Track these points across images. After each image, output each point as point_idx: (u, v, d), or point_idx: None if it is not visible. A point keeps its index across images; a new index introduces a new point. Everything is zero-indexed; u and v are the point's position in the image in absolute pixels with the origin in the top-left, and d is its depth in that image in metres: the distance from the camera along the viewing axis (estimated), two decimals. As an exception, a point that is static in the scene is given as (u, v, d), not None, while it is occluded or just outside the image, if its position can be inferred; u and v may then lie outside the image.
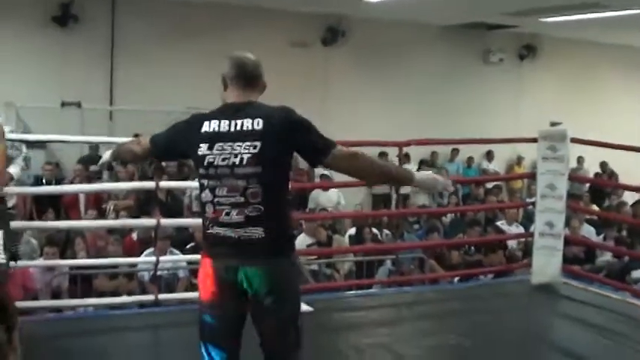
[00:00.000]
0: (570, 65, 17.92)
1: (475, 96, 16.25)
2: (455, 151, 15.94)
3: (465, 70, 16.61)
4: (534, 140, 7.59)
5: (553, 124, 7.68)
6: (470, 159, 16.43)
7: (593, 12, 13.20)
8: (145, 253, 8.19)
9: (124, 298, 7.16)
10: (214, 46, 13.88)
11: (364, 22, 14.90)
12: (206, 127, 3.46)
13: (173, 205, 10.88)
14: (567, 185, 7.84)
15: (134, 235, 9.40)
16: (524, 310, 6.92)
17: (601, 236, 11.08)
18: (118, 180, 10.95)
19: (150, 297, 6.40)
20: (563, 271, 7.64)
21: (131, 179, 11.04)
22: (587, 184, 15.06)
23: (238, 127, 3.40)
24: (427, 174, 3.63)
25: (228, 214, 3.36)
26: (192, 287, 8.06)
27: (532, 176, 8.24)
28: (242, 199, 3.34)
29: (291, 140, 3.40)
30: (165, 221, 6.69)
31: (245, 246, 3.36)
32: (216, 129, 3.43)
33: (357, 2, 12.90)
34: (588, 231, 11.15)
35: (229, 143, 3.37)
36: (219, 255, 3.42)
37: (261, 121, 3.40)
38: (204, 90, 13.77)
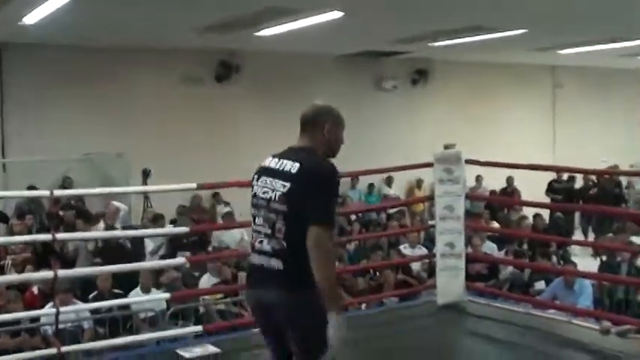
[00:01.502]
0: (462, 87, 18.34)
1: (370, 123, 16.45)
2: (355, 179, 16.07)
3: (360, 98, 16.78)
4: (430, 165, 7.72)
5: (447, 147, 7.81)
6: (370, 185, 16.60)
7: (478, 34, 13.53)
8: (46, 306, 7.98)
9: (26, 354, 6.93)
10: (108, 90, 13.78)
11: (258, 56, 14.94)
12: (266, 162, 3.86)
13: (74, 254, 10.66)
14: (467, 204, 8.00)
15: (34, 289, 9.14)
16: (431, 331, 7.00)
17: (503, 251, 11.32)
18: (13, 234, 10.66)
19: (52, 351, 6.21)
20: (467, 289, 7.78)
21: (29, 232, 10.76)
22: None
23: (280, 167, 3.71)
24: (342, 326, 3.58)
25: (261, 242, 3.70)
26: (98, 337, 7.90)
27: (431, 199, 8.36)
28: (270, 231, 3.65)
29: (306, 190, 3.59)
30: (63, 272, 6.52)
31: (267, 276, 3.64)
32: (268, 165, 3.80)
33: (249, 36, 12.92)
34: (490, 247, 11.37)
35: (270, 179, 3.71)
36: (251, 283, 3.82)
37: (297, 165, 3.66)
38: (101, 135, 13.73)
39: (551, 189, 16.77)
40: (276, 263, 3.61)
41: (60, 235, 6.86)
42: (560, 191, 16.56)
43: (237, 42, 13.86)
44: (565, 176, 17.00)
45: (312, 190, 3.60)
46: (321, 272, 3.52)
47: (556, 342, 6.28)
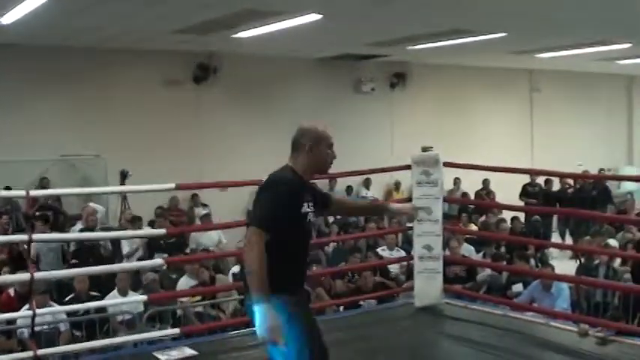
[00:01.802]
0: (440, 89, 18.42)
1: (349, 126, 16.46)
2: (333, 181, 16.05)
3: (338, 101, 16.82)
4: (408, 167, 7.72)
5: (425, 149, 7.83)
6: (349, 187, 16.60)
7: (457, 38, 13.58)
8: (22, 308, 7.90)
9: (2, 357, 6.86)
10: (86, 90, 13.70)
11: (236, 58, 14.91)
12: None
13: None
14: (445, 207, 8.00)
15: (11, 291, 9.06)
16: (408, 333, 7.00)
17: (480, 254, 11.35)
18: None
19: (29, 354, 6.15)
20: (445, 291, 7.79)
21: (5, 232, 10.67)
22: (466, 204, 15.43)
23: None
24: (268, 316, 3.68)
25: None
26: (75, 340, 7.84)
27: (408, 201, 8.36)
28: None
29: (255, 199, 3.97)
30: (40, 274, 6.45)
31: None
32: None
33: (227, 39, 12.91)
34: (468, 250, 11.40)
35: None
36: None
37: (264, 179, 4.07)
38: (78, 136, 13.65)
39: (525, 193, 16.83)
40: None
41: (36, 236, 6.78)
42: (534, 195, 16.60)
43: (216, 44, 13.85)
44: (539, 180, 17.07)
45: (257, 198, 3.97)
46: (247, 266, 3.76)
47: (534, 344, 6.29)
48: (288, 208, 3.90)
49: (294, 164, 4.07)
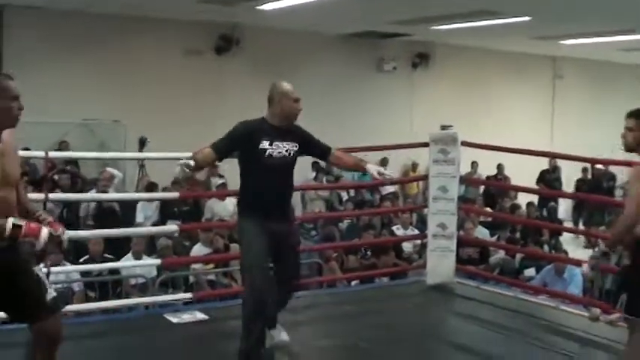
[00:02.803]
0: (462, 72, 18.32)
1: (369, 104, 16.45)
2: (352, 159, 16.05)
3: (359, 79, 16.77)
4: (426, 145, 7.72)
5: (444, 128, 7.83)
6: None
7: (482, 20, 13.52)
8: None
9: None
10: (109, 57, 13.72)
11: (258, 31, 14.88)
12: None
13: (69, 217, 10.64)
14: (462, 190, 7.98)
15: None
16: (419, 309, 7.03)
17: (494, 237, 11.34)
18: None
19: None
20: (457, 271, 7.80)
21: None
22: (482, 189, 15.39)
23: None
24: None
25: None
26: (88, 300, 7.91)
27: (425, 179, 8.37)
28: None
29: None
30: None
31: None
32: None
33: (250, 10, 12.88)
34: (482, 233, 11.39)
35: None
36: None
37: None
38: (99, 102, 13.68)
39: (542, 179, 16.78)
40: None
41: (52, 196, 6.81)
42: (552, 182, 16.55)
43: (239, 15, 13.83)
44: (559, 165, 17.02)
45: None
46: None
47: (544, 327, 6.29)
48: (239, 141, 4.95)
49: (266, 114, 5.06)
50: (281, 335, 5.20)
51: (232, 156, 5.01)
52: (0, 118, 3.52)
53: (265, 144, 4.88)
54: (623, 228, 4.21)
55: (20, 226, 3.39)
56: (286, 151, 4.96)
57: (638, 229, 4.19)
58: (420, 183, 15.07)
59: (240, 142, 4.94)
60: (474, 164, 16.19)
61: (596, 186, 16.51)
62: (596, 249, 4.24)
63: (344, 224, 12.70)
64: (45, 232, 3.46)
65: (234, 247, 9.87)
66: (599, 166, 16.26)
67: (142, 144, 13.08)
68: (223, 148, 4.96)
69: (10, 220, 3.39)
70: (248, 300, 4.88)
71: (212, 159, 5.03)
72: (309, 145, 5.17)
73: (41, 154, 6.24)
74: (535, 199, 14.77)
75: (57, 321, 3.67)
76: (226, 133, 5.00)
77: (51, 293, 3.64)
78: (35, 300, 3.58)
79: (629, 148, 4.40)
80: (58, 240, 3.59)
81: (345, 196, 14.95)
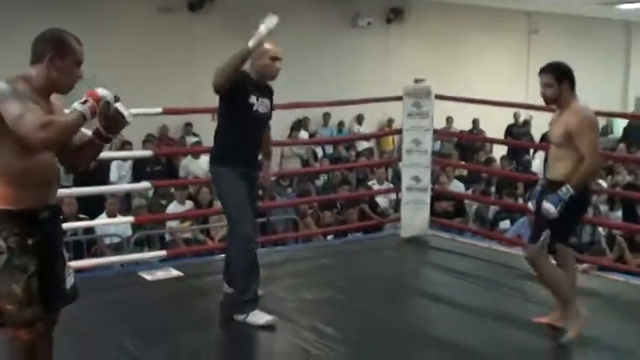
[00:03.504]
0: (436, 26, 18.21)
1: (344, 60, 16.33)
2: (327, 116, 15.98)
3: (334, 35, 16.63)
4: (400, 98, 7.70)
5: (417, 81, 7.78)
6: (340, 123, 16.52)
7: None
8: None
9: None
10: (80, 13, 13.50)
11: (231, -14, 14.72)
12: None
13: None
14: (437, 145, 7.98)
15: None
16: (393, 262, 7.08)
17: (470, 191, 11.38)
18: None
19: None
20: (432, 224, 7.84)
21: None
22: (456, 143, 15.39)
23: None
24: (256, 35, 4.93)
25: None
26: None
27: (399, 132, 8.36)
28: None
29: None
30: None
31: None
32: None
33: (223, -34, 12.73)
34: (458, 187, 11.43)
35: None
36: None
37: None
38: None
39: (509, 133, 16.80)
40: None
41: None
42: (519, 136, 16.52)
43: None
44: (521, 120, 17.06)
45: None
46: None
47: (518, 275, 6.32)
48: (235, 87, 4.87)
49: (248, 69, 5.09)
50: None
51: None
52: (58, 79, 3.25)
53: (253, 99, 5.00)
54: (589, 175, 4.56)
55: (86, 101, 3.11)
56: (266, 107, 5.13)
57: (564, 171, 4.57)
58: (396, 139, 15.04)
59: (235, 88, 4.90)
60: (449, 119, 16.19)
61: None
62: (564, 189, 4.36)
63: (320, 181, 12.70)
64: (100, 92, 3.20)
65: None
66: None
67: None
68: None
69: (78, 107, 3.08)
70: (242, 250, 4.95)
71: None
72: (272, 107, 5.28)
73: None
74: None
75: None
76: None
77: (70, 280, 3.36)
78: (56, 287, 3.27)
79: (549, 102, 4.70)
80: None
81: (320, 153, 14.94)
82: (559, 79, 4.66)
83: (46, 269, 3.14)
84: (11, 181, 3.05)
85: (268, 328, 4.86)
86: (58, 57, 3.23)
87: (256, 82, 5.08)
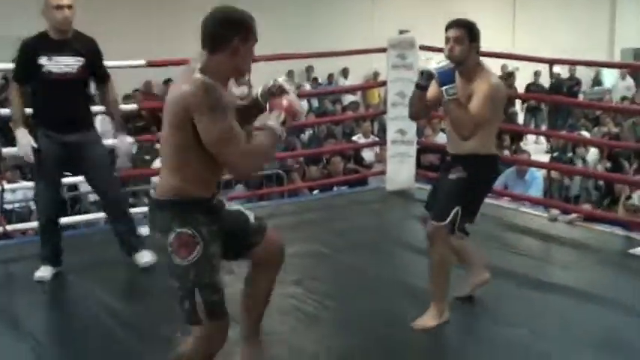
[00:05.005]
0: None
1: (328, 12, 16.20)
2: (310, 68, 15.88)
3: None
4: (384, 50, 7.63)
5: (402, 32, 7.73)
6: (330, 75, 16.44)
7: None
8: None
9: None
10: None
11: None
12: None
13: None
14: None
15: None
16: (378, 214, 7.09)
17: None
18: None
19: (-2, 230, 6.11)
20: (418, 177, 7.81)
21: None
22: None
23: None
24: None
25: None
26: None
27: (383, 85, 8.31)
28: None
29: None
30: (8, 150, 6.26)
31: None
32: None
33: None
34: (444, 139, 11.36)
35: None
36: None
37: None
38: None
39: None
40: None
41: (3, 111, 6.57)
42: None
43: None
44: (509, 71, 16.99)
45: None
46: None
47: (505, 227, 6.34)
48: (24, 63, 4.82)
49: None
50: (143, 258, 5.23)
51: None
52: (241, 65, 3.00)
53: (43, 59, 4.76)
54: (465, 126, 4.01)
55: (284, 121, 3.01)
56: (67, 65, 4.82)
57: (473, 145, 4.11)
58: (382, 92, 14.97)
59: (25, 64, 4.81)
60: (436, 71, 16.11)
61: (556, 90, 16.50)
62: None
63: (305, 135, 12.65)
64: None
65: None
66: (558, 69, 16.27)
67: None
68: (20, 75, 4.88)
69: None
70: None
71: (20, 91, 4.91)
72: (93, 64, 4.98)
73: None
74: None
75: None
76: (15, 58, 4.88)
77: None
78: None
79: (456, 61, 4.06)
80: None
81: (306, 106, 14.87)
82: (471, 38, 4.11)
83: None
84: (195, 176, 2.98)
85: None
86: (243, 42, 2.95)
87: (54, 39, 4.83)
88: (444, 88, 3.94)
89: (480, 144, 4.13)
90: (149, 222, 3.08)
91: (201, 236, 2.95)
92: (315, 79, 16.22)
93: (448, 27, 4.13)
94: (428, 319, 4.25)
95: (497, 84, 4.11)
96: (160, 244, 3.00)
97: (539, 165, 8.56)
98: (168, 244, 2.96)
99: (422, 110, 4.46)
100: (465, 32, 4.09)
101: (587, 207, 7.94)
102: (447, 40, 4.10)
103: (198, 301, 2.95)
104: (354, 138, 11.48)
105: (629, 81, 18.43)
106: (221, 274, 3.04)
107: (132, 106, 7.87)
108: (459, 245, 4.49)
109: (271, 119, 3.00)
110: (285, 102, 3.04)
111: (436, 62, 4.02)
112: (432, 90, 4.17)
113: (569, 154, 10.81)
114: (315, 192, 8.91)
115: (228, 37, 2.90)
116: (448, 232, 4.22)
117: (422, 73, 4.08)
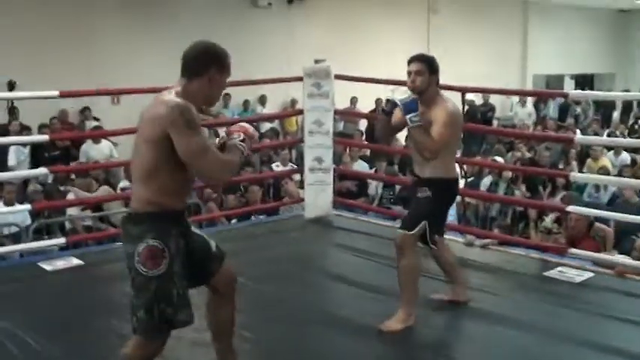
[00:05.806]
0: (337, 8, 18.21)
1: (245, 41, 16.16)
2: (227, 96, 15.80)
3: (234, 15, 16.47)
4: (300, 79, 7.69)
5: (317, 62, 7.82)
6: (245, 102, 16.43)
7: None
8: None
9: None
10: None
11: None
12: None
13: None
14: (341, 126, 8.01)
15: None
16: (297, 243, 7.08)
17: (373, 170, 11.47)
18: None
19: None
20: (336, 204, 7.88)
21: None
22: (364, 125, 15.44)
23: None
24: None
25: None
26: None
27: (300, 113, 8.38)
28: None
29: None
30: None
31: None
32: None
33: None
34: (362, 167, 11.51)
35: None
36: None
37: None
38: None
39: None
40: None
41: None
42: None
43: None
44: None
45: None
46: None
47: (421, 253, 6.41)
48: None
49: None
50: None
51: None
52: (214, 95, 3.38)
53: None
54: (427, 149, 4.50)
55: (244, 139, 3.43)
56: None
57: (435, 169, 4.58)
58: (299, 120, 15.03)
59: None
60: (354, 99, 16.24)
61: (470, 117, 16.83)
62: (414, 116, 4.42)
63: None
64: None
65: (106, 190, 9.66)
66: (471, 97, 16.63)
67: (11, 87, 12.61)
68: None
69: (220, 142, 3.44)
70: None
71: None
72: None
73: None
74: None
75: None
76: None
77: None
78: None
79: (418, 92, 4.57)
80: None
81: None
82: (430, 71, 4.64)
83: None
84: (168, 188, 3.24)
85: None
86: (219, 72, 3.32)
87: None
88: (408, 116, 4.41)
89: (441, 169, 4.58)
90: (122, 235, 3.27)
91: (169, 252, 3.17)
92: (246, 102, 16.33)
93: (410, 61, 4.70)
94: (395, 323, 4.57)
95: (454, 111, 4.58)
96: (128, 251, 3.19)
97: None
98: (136, 252, 3.15)
99: (388, 134, 5.04)
100: (426, 66, 4.63)
101: (497, 231, 8.12)
102: (409, 73, 4.62)
103: (155, 313, 3.17)
104: (273, 166, 11.49)
105: (529, 108, 19.44)
106: (182, 291, 3.26)
107: (43, 137, 7.75)
108: (446, 260, 5.04)
109: (233, 139, 3.39)
110: (239, 127, 3.51)
111: (399, 94, 4.52)
112: (397, 116, 4.57)
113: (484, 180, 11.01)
114: (234, 221, 8.88)
115: (207, 66, 3.26)
116: (416, 241, 4.66)
117: (387, 101, 4.58)
